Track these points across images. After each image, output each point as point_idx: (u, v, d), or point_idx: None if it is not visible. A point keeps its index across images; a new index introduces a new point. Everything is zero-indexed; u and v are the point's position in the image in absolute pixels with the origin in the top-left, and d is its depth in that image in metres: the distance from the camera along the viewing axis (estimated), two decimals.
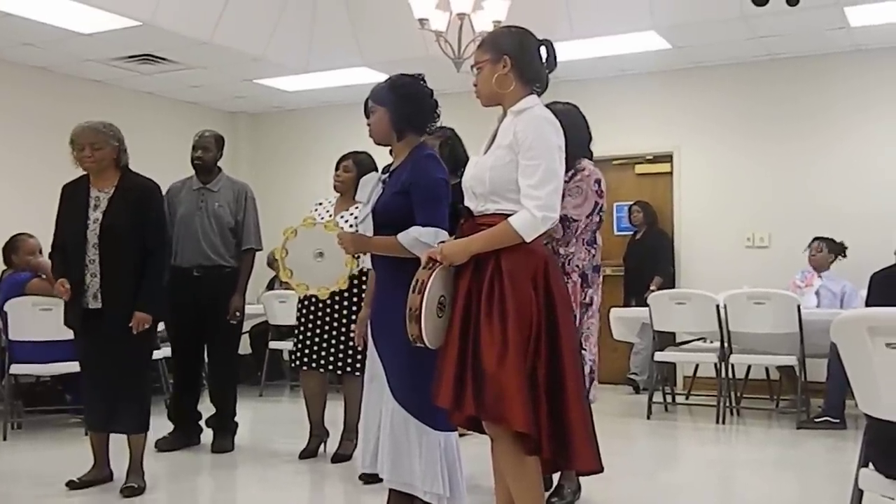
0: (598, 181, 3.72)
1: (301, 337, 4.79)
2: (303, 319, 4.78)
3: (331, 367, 4.71)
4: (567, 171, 3.29)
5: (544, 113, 2.73)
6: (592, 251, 3.80)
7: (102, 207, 4.08)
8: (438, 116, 3.37)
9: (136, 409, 4.14)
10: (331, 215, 4.74)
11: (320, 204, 4.91)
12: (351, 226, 4.63)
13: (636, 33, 6.74)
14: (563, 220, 3.50)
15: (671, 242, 7.78)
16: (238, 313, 5.12)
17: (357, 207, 4.68)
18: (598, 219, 3.77)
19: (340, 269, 3.47)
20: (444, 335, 2.71)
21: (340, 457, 4.75)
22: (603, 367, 7.54)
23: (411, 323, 2.65)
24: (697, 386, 7.01)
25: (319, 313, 4.72)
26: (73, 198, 4.17)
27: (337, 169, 4.85)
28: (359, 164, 4.80)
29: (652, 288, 7.25)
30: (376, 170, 4.80)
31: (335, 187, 4.85)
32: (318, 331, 4.72)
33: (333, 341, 4.69)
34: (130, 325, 4.02)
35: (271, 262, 8.02)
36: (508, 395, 2.55)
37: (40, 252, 5.73)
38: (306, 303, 4.76)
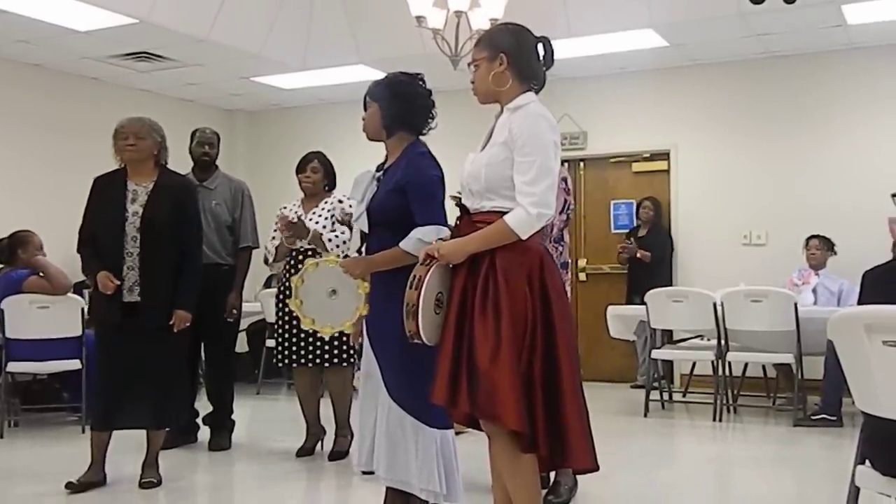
0: (564, 179, 3.82)
1: (287, 335, 4.78)
2: (285, 316, 4.74)
3: (318, 360, 4.71)
4: None
5: (540, 110, 2.73)
6: (560, 248, 3.88)
7: (141, 201, 4.06)
8: (433, 117, 3.36)
9: (167, 404, 4.15)
10: (299, 217, 4.69)
11: (284, 207, 4.91)
12: (326, 219, 4.67)
13: (633, 31, 6.73)
14: None
15: (671, 240, 7.77)
16: (235, 311, 5.12)
17: (326, 202, 4.78)
18: (565, 216, 3.88)
19: (356, 297, 3.43)
20: (441, 332, 2.71)
21: (337, 454, 4.75)
22: (600, 365, 7.65)
23: (408, 319, 2.64)
24: (694, 384, 7.02)
25: None
26: (107, 190, 4.12)
27: (303, 171, 4.89)
28: (324, 163, 4.91)
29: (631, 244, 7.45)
30: (333, 169, 4.88)
31: (306, 189, 4.88)
32: (301, 324, 4.69)
33: (319, 334, 4.67)
34: (171, 322, 4.04)
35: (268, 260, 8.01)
36: (501, 392, 2.55)
37: (41, 248, 5.71)
38: (282, 297, 4.76)
